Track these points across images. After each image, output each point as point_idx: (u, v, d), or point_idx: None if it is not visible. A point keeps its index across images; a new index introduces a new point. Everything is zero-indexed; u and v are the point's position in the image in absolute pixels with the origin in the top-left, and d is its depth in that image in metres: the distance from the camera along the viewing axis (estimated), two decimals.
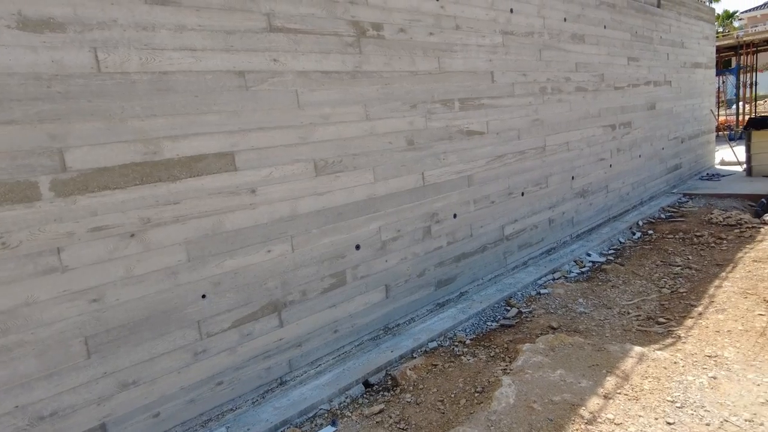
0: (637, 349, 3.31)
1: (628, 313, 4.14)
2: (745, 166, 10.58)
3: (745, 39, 16.65)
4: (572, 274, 5.30)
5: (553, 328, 3.89)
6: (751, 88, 18.88)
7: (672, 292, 4.53)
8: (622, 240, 6.44)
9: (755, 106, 19.95)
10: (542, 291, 4.76)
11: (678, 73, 9.09)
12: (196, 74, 2.84)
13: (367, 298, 3.80)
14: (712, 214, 7.11)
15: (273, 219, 3.19)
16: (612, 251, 6.00)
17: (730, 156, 11.94)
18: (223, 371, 3.03)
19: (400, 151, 3.96)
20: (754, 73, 18.87)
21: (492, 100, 4.83)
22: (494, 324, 4.15)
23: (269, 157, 3.15)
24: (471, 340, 3.90)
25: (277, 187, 3.20)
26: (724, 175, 10.17)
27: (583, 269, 5.44)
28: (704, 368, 3.08)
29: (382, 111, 3.80)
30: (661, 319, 3.92)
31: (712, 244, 5.82)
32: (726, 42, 17.58)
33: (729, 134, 15.98)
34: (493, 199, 4.95)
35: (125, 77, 2.59)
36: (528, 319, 4.17)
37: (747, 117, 18.89)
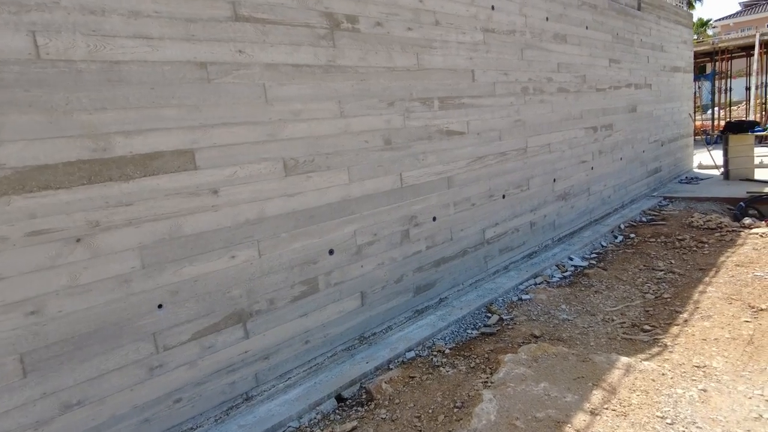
0: (624, 359, 3.16)
1: (613, 320, 4.01)
2: (722, 169, 10.67)
3: (720, 45, 16.91)
4: (554, 279, 5.16)
5: (536, 337, 3.73)
6: (725, 93, 19.20)
7: (656, 297, 4.41)
8: (605, 244, 6.34)
9: (730, 112, 20.31)
10: (524, 297, 4.60)
11: (658, 77, 9.09)
12: (152, 65, 2.60)
13: (342, 306, 3.59)
14: (692, 217, 7.08)
15: (238, 222, 2.96)
16: (594, 255, 5.89)
17: (707, 160, 12.03)
18: (182, 387, 2.78)
19: (376, 150, 3.76)
20: (728, 80, 19.20)
21: (473, 100, 4.67)
22: (474, 332, 3.98)
23: (233, 156, 2.92)
24: (450, 349, 3.71)
25: (243, 188, 2.97)
26: (702, 179, 10.21)
27: (566, 274, 5.31)
28: (693, 380, 2.94)
29: (358, 108, 3.60)
30: (647, 327, 3.79)
31: (695, 248, 5.75)
32: (702, 48, 17.84)
33: (705, 138, 16.17)
34: (474, 202, 4.78)
35: (70, 66, 2.34)
36: (509, 326, 4.00)
37: (722, 122, 19.21)
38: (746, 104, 20.90)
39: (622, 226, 7.01)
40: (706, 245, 5.84)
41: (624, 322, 3.94)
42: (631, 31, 7.92)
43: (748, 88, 20.01)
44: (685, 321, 3.81)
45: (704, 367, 3.10)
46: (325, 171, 3.40)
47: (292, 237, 3.23)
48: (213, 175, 2.84)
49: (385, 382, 3.22)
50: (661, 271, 5.11)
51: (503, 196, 5.17)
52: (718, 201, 8.09)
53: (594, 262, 5.64)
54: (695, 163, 11.85)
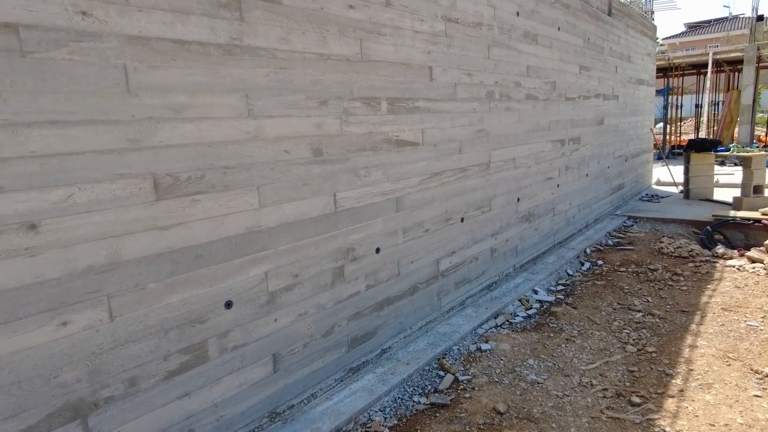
0: None
1: (592, 385, 3.24)
2: (681, 188, 10.36)
3: (675, 61, 16.94)
4: (518, 319, 4.38)
5: (500, 413, 2.90)
6: (677, 109, 19.39)
7: (639, 350, 3.69)
8: (570, 272, 5.64)
9: (680, 127, 20.58)
10: (483, 346, 3.78)
11: (625, 88, 8.58)
12: None
13: (244, 376, 2.63)
14: (661, 242, 6.52)
15: (74, 271, 1.96)
16: (561, 287, 5.17)
17: (665, 176, 11.77)
18: None
19: (301, 163, 2.83)
20: (680, 96, 19.40)
21: (429, 103, 3.81)
22: (423, 400, 3.11)
23: (67, 171, 1.92)
24: (390, 429, 2.83)
25: (83, 220, 1.97)
26: (662, 197, 9.83)
27: (530, 311, 4.54)
28: None
29: (275, 106, 2.65)
30: (635, 398, 3.03)
31: (670, 282, 5.12)
32: (658, 63, 17.88)
33: (656, 154, 16.14)
34: (428, 227, 3.92)
35: None
36: (467, 393, 3.16)
37: (673, 137, 19.39)
38: (695, 120, 21.27)
39: (588, 251, 6.37)
40: (682, 278, 5.23)
41: (606, 389, 3.17)
42: (601, 38, 7.32)
43: (698, 105, 20.34)
44: (681, 391, 3.09)
45: None
46: (222, 192, 2.44)
47: (166, 287, 2.25)
48: (28, 200, 1.83)
49: None
50: (638, 311, 4.43)
51: (462, 220, 4.34)
52: (683, 224, 7.62)
53: (561, 296, 4.91)
54: (653, 179, 11.55)
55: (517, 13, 4.98)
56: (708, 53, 15.98)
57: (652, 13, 10.74)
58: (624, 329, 4.09)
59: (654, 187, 11.30)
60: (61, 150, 1.90)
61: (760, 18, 27.09)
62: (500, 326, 4.21)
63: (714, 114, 19.03)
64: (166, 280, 2.25)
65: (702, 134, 18.60)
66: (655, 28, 10.59)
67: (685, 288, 4.91)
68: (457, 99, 4.13)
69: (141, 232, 2.14)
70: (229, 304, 2.51)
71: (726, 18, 41.09)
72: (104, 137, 2.01)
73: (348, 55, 3.07)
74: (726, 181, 10.80)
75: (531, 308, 4.62)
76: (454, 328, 4.00)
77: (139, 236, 2.14)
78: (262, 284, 2.67)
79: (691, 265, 5.64)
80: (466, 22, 4.18)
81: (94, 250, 2.01)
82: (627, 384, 3.24)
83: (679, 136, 20.36)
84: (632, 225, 7.73)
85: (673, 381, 3.22)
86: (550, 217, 6.09)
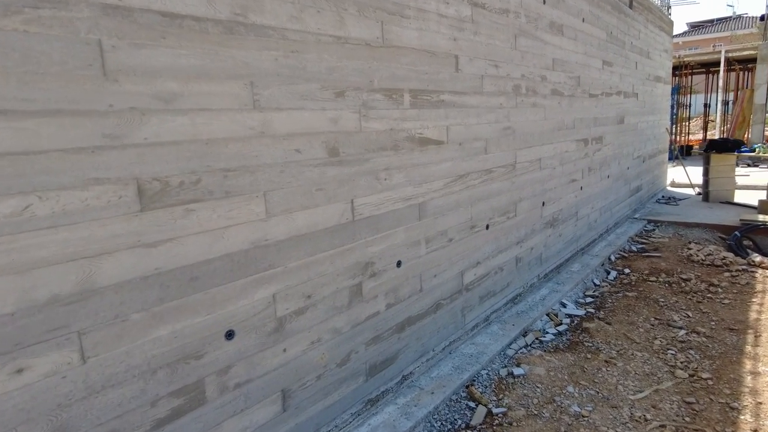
0: None
1: (646, 420, 2.82)
2: (697, 189, 9.97)
3: (686, 59, 16.55)
4: (548, 337, 3.96)
5: None
6: (686, 109, 19.01)
7: (691, 376, 3.28)
8: (597, 281, 5.23)
9: (688, 127, 20.20)
10: (515, 370, 3.36)
11: (644, 86, 8.17)
12: None
13: (248, 418, 2.20)
14: (689, 249, 6.11)
15: (32, 303, 1.53)
16: (589, 299, 4.76)
17: (680, 177, 11.37)
18: None
19: (315, 165, 2.40)
20: (689, 95, 19.03)
21: (455, 97, 3.39)
22: None
23: (24, 174, 1.49)
24: None
25: (44, 237, 1.54)
26: (680, 199, 9.43)
27: (560, 328, 4.13)
28: None
29: (285, 96, 2.23)
30: None
31: (708, 294, 4.71)
32: None
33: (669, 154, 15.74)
34: (452, 236, 3.50)
35: None
36: (503, 429, 2.74)
37: (681, 138, 19.00)
38: (703, 119, 20.88)
39: (613, 258, 5.96)
40: (720, 289, 4.82)
41: (664, 426, 2.76)
42: (623, 31, 6.91)
43: (706, 105, 19.95)
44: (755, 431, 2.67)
45: None
46: (221, 199, 2.01)
47: (153, 318, 1.83)
48: None
49: None
50: (680, 328, 4.01)
51: (487, 227, 3.93)
52: (708, 228, 7.22)
53: (591, 310, 4.49)
54: (668, 181, 11.15)
55: (544, 1, 4.56)
56: (720, 51, 15.59)
57: (669, 7, 10.33)
58: (668, 349, 3.68)
59: (669, 188, 10.90)
60: (14, 148, 1.47)
61: (764, 18, 26.76)
62: (530, 346, 3.79)
63: (724, 113, 18.66)
64: (154, 309, 1.82)
65: (710, 134, 18.23)
66: (672, 23, 10.19)
67: (727, 302, 4.50)
68: (484, 93, 3.71)
69: (122, 251, 1.72)
70: (230, 334, 2.09)
71: (730, 17, 40.76)
72: (73, 132, 1.59)
73: (368, 39, 2.65)
74: (742, 183, 10.40)
75: (561, 324, 4.20)
76: (481, 349, 3.58)
77: (119, 256, 1.71)
78: (269, 309, 2.24)
79: (727, 275, 5.23)
80: (492, 7, 3.76)
81: (60, 276, 1.58)
82: (686, 419, 2.82)
83: (687, 135, 19.98)
84: (653, 229, 7.32)
85: (741, 417, 2.80)
86: (573, 222, 5.67)
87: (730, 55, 16.07)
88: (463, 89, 3.47)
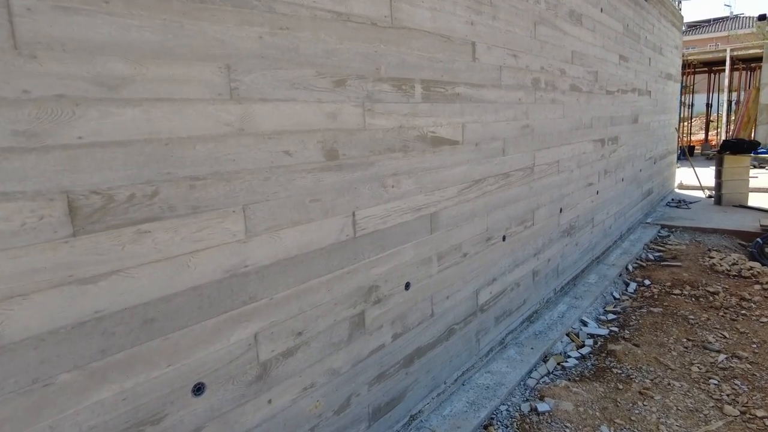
0: None
1: None
2: (708, 191, 9.59)
3: (690, 58, 16.19)
4: (571, 362, 3.53)
5: None
6: (689, 108, 18.69)
7: (743, 413, 2.85)
8: (617, 295, 4.80)
9: (690, 126, 19.88)
10: (539, 406, 2.92)
11: (656, 83, 7.76)
12: None
13: None
14: (711, 257, 5.70)
15: None
16: (611, 315, 4.33)
17: (688, 179, 10.99)
18: None
19: (309, 170, 1.95)
20: (692, 94, 18.71)
21: (471, 90, 2.94)
22: None
23: None
24: None
25: None
26: (691, 202, 9.03)
27: (583, 350, 3.69)
28: None
29: (272, 84, 1.77)
30: None
31: (742, 311, 4.30)
32: None
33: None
34: (466, 250, 3.05)
35: None
36: None
37: (684, 138, 18.67)
38: (705, 119, 20.58)
39: (630, 267, 5.53)
40: (753, 305, 4.41)
41: None
42: (638, 25, 6.48)
43: (708, 104, 19.63)
44: None
45: None
46: (187, 217, 1.55)
47: (91, 378, 1.37)
48: None
49: None
50: (718, 352, 3.59)
51: (503, 238, 3.48)
52: (726, 234, 6.81)
53: (615, 328, 4.06)
54: (676, 182, 10.76)
55: None
56: (725, 50, 15.23)
57: (680, 2, 9.93)
58: (709, 378, 3.25)
59: (677, 190, 10.51)
60: None
61: (762, 17, 26.47)
62: (552, 373, 3.35)
63: (728, 113, 18.33)
64: (92, 366, 1.36)
65: (711, 134, 17.90)
66: (682, 18, 9.79)
67: (765, 320, 4.08)
68: (502, 86, 3.26)
69: (43, 291, 1.26)
70: (199, 389, 1.63)
71: (727, 17, 40.54)
72: None
73: (374, 18, 2.19)
74: (752, 186, 10.00)
75: (583, 346, 3.77)
76: (498, 379, 3.14)
77: (39, 298, 1.25)
78: (250, 352, 1.78)
79: (757, 287, 4.81)
80: None
81: None
82: None
83: (689, 136, 19.65)
84: (668, 235, 6.91)
85: None
86: (589, 229, 5.24)
87: (735, 54, 15.72)
88: (480, 81, 3.02)
